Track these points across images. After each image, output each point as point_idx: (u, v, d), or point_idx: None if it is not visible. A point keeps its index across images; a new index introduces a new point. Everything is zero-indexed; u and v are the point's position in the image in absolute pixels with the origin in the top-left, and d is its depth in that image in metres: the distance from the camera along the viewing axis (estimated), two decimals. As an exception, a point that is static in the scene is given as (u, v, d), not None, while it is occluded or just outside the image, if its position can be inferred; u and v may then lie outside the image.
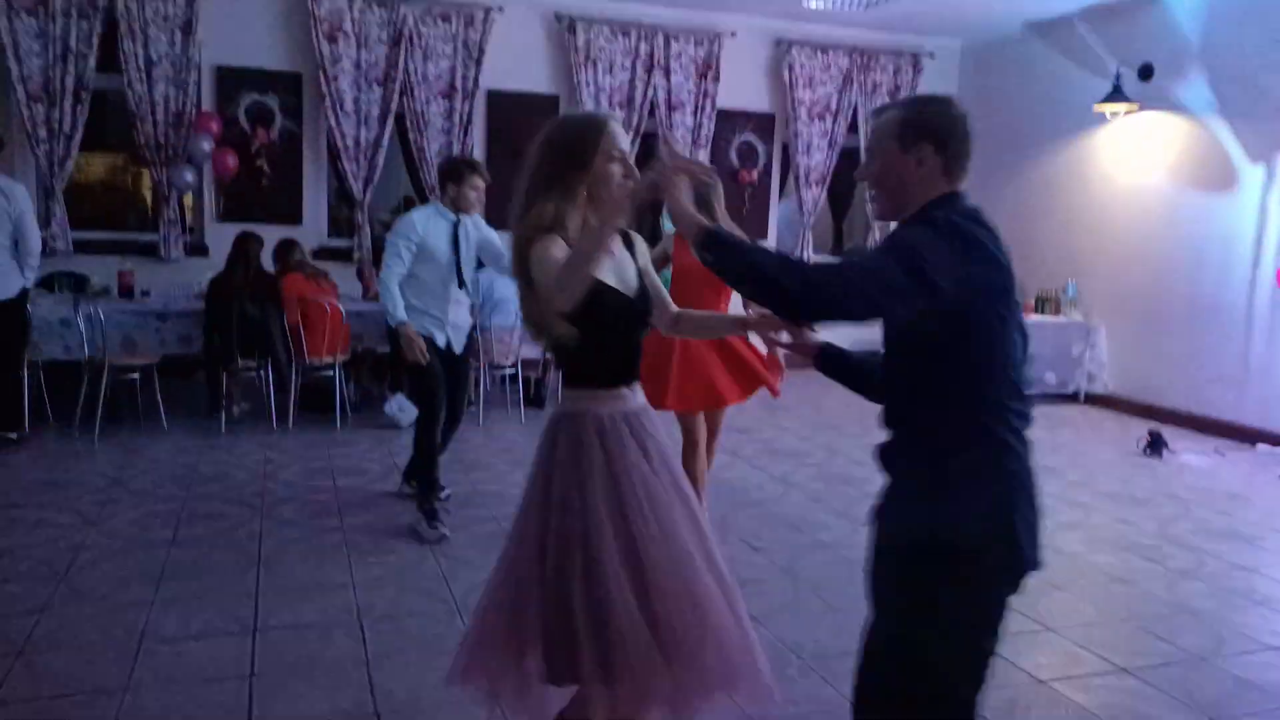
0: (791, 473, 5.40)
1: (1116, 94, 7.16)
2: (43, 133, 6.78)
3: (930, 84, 8.95)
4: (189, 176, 7.01)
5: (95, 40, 6.83)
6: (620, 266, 2.12)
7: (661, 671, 1.92)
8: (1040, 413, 7.05)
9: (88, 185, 8.39)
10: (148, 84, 7.00)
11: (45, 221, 6.92)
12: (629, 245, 2.20)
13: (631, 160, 2.12)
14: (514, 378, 6.72)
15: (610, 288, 2.03)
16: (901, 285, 1.63)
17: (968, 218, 1.79)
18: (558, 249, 1.94)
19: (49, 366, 5.89)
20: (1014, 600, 3.56)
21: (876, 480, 5.47)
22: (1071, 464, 5.86)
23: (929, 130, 1.83)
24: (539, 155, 2.05)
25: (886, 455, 1.91)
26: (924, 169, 1.83)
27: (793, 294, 1.61)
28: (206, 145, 6.85)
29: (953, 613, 1.78)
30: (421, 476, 4.27)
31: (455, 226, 4.32)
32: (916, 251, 1.66)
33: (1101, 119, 7.50)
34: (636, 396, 2.13)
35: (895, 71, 8.87)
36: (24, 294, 5.34)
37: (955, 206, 1.82)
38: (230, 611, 3.31)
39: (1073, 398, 7.74)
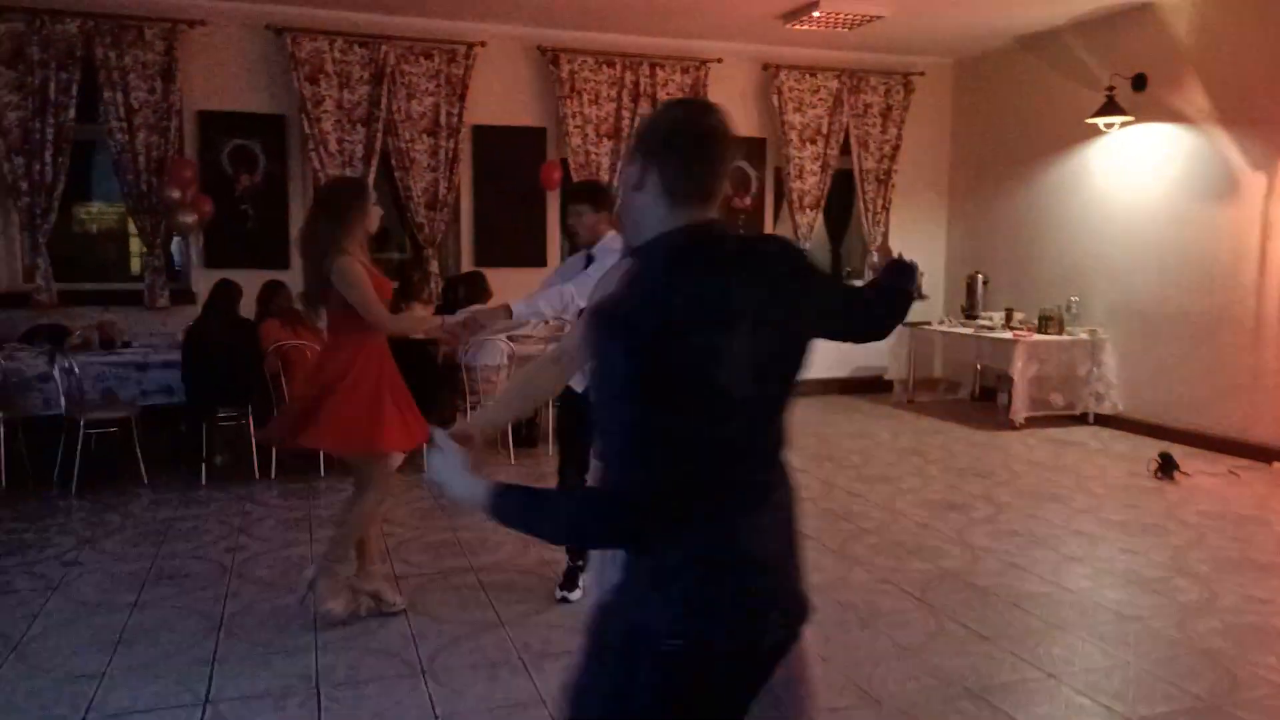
0: (786, 509, 5.20)
1: (1110, 106, 7.01)
2: (24, 185, 6.72)
3: (923, 102, 8.84)
4: (188, 219, 6.93)
5: (75, 90, 6.79)
6: None
7: None
8: (1048, 436, 6.81)
9: (81, 235, 8.33)
10: (129, 132, 6.95)
11: (30, 275, 6.88)
12: None
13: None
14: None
15: None
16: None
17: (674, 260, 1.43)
18: None
19: (28, 423, 5.79)
20: (1013, 645, 3.41)
21: (874, 515, 5.25)
22: (1078, 489, 5.65)
23: (641, 142, 1.50)
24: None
25: None
26: (644, 194, 1.48)
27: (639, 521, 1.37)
28: (175, 194, 6.76)
29: None
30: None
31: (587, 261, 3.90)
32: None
33: (1096, 132, 7.34)
34: None
35: (886, 91, 8.75)
36: None
37: (664, 246, 1.46)
38: (184, 682, 3.14)
39: (1081, 419, 7.52)
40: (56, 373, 5.46)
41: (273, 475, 5.82)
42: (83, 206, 8.29)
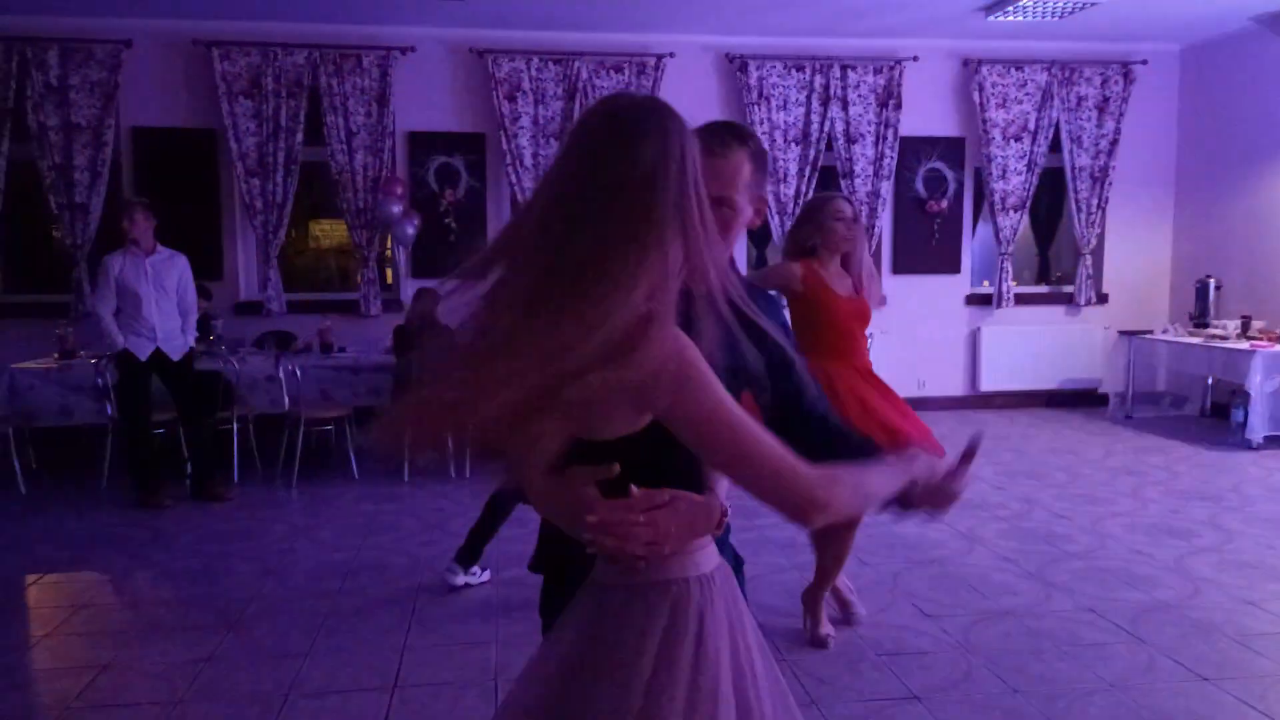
0: (979, 527, 4.91)
1: (1372, 86, 6.19)
2: (259, 204, 7.41)
3: (1146, 93, 8.15)
4: (410, 230, 7.39)
5: (302, 116, 7.42)
6: None
7: None
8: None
9: (314, 250, 9.11)
10: (349, 153, 7.51)
11: (262, 285, 7.56)
12: None
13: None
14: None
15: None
16: None
17: None
18: None
19: (258, 420, 6.36)
20: (1238, 689, 3.04)
21: (1080, 539, 4.89)
22: (1327, 519, 5.00)
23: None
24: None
25: None
26: None
27: None
28: (397, 208, 7.24)
29: None
30: None
31: None
32: None
33: (1355, 116, 6.51)
34: None
35: (1103, 83, 8.13)
36: (191, 353, 5.72)
37: None
38: (375, 667, 3.34)
39: (1334, 439, 6.66)
40: (281, 374, 5.97)
41: (466, 475, 6.10)
42: (315, 223, 9.08)
